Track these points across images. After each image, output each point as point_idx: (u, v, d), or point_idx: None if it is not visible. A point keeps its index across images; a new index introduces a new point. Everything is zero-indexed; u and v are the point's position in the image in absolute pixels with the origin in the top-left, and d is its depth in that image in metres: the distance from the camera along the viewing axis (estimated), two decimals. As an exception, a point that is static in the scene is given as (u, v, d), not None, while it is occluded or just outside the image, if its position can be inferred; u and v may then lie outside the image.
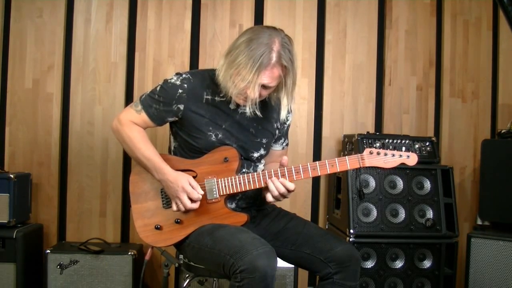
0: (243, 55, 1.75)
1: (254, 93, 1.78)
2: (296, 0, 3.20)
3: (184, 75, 1.92)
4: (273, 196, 1.83)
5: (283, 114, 1.97)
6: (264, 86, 1.81)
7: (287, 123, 2.13)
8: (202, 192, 1.87)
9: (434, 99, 3.28)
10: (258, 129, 2.00)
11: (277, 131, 2.08)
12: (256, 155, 2.00)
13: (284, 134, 2.15)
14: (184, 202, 1.84)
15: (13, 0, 3.08)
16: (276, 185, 1.81)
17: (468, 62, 3.28)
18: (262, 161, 2.08)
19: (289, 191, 1.83)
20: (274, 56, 1.76)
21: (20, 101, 3.08)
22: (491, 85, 3.29)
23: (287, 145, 2.19)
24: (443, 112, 3.27)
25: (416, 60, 3.27)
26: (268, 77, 1.78)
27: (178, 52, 3.14)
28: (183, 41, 3.15)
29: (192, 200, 1.86)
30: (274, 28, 1.83)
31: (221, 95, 1.92)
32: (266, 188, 1.86)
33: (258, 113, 1.86)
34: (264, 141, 2.02)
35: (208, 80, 1.94)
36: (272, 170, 1.86)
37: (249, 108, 1.84)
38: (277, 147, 2.15)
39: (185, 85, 1.90)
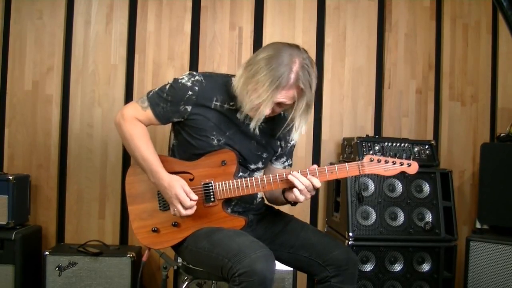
0: (263, 73, 1.72)
1: (266, 110, 1.77)
2: (296, 2, 3.21)
3: (197, 77, 1.87)
4: (300, 191, 1.80)
5: (295, 136, 1.94)
6: (278, 104, 1.79)
7: (292, 142, 2.08)
8: (196, 198, 1.83)
9: (434, 103, 3.29)
10: (261, 143, 1.96)
11: (279, 149, 2.05)
12: (253, 167, 1.98)
13: (287, 153, 2.09)
14: (179, 210, 1.82)
15: (13, 1, 3.08)
16: (302, 180, 1.79)
17: (467, 65, 3.28)
18: (262, 171, 2.06)
19: (314, 188, 1.81)
20: (292, 77, 1.72)
21: (20, 103, 3.08)
22: (491, 89, 3.29)
23: (290, 165, 2.12)
24: (442, 115, 3.27)
25: (416, 63, 3.28)
26: (283, 97, 1.76)
27: (178, 54, 3.15)
28: (183, 43, 3.15)
29: (186, 208, 1.83)
30: (297, 47, 1.79)
31: (231, 104, 1.88)
32: (288, 191, 1.86)
33: (257, 130, 1.86)
34: (264, 155, 1.99)
35: (220, 86, 1.89)
36: (271, 176, 1.85)
37: (255, 123, 1.81)
38: (278, 165, 2.10)
39: (196, 88, 1.85)
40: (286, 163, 2.11)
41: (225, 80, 1.90)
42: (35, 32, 3.09)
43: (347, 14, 3.24)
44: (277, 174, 1.85)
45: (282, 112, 1.91)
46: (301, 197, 1.81)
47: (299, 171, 1.82)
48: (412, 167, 1.85)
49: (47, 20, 3.09)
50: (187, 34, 3.16)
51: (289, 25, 3.18)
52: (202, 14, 3.18)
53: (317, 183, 1.80)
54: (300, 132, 1.88)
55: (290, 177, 1.80)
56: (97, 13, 3.12)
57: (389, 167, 1.83)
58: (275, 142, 2.01)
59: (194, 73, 1.89)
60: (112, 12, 3.12)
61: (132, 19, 3.15)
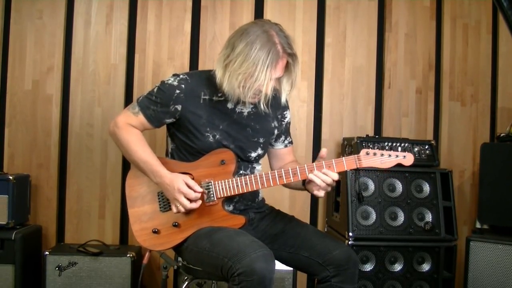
0: (250, 58, 1.76)
1: (269, 89, 1.82)
2: (296, 2, 3.21)
3: (181, 76, 1.93)
4: (321, 188, 1.83)
5: (283, 99, 2.01)
6: (275, 80, 1.86)
7: (285, 120, 2.12)
8: (201, 190, 1.85)
9: (434, 102, 3.29)
10: (255, 128, 2.00)
11: (275, 130, 2.08)
12: (253, 155, 2.00)
13: (284, 132, 2.13)
14: (182, 203, 1.83)
15: (13, 1, 3.08)
16: (322, 178, 1.81)
17: (467, 65, 3.28)
18: (260, 161, 2.08)
19: (334, 180, 1.83)
20: (279, 49, 1.79)
21: (20, 102, 3.08)
22: (491, 89, 3.29)
23: (290, 143, 2.17)
24: (442, 115, 3.27)
25: (416, 63, 3.28)
26: (280, 70, 1.83)
27: (178, 54, 3.15)
28: (183, 43, 3.15)
29: (191, 200, 1.85)
30: (260, 21, 1.87)
31: (219, 95, 1.93)
32: (309, 183, 1.87)
33: (268, 110, 1.94)
34: (261, 140, 2.01)
35: (205, 80, 1.94)
36: (269, 172, 1.87)
37: (263, 105, 1.89)
38: (279, 146, 2.13)
39: (183, 86, 1.90)
40: (286, 141, 2.15)
41: (208, 74, 1.95)
42: (35, 32, 3.09)
43: (347, 14, 3.24)
44: (275, 171, 1.87)
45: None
46: (320, 193, 1.85)
47: (297, 167, 1.84)
48: (408, 159, 1.87)
49: (47, 20, 3.09)
50: (187, 34, 3.16)
51: (289, 25, 3.18)
52: (202, 14, 3.18)
53: (335, 176, 1.82)
54: (287, 92, 1.94)
55: (311, 175, 1.81)
56: (97, 13, 3.12)
57: (385, 159, 1.86)
58: (269, 124, 2.04)
59: (178, 73, 1.95)
60: (112, 12, 3.12)
61: (132, 19, 3.15)
